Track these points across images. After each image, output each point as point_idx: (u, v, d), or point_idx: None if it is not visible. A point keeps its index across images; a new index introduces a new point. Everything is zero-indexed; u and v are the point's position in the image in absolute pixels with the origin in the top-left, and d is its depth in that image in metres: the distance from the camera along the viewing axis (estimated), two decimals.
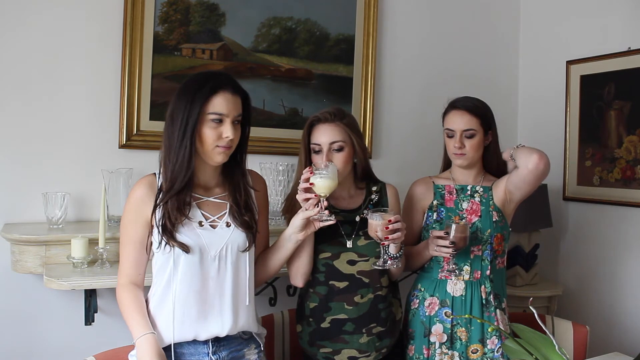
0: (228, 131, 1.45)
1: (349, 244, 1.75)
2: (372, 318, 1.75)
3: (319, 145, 1.71)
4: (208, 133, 1.44)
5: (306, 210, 1.57)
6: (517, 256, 2.73)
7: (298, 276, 1.74)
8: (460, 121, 1.86)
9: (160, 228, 1.45)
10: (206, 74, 1.52)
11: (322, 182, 1.53)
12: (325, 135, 1.70)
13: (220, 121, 1.45)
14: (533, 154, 1.79)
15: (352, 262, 1.74)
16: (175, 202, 1.45)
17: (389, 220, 1.59)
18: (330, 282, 1.74)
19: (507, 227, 1.93)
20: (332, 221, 1.58)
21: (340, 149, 1.70)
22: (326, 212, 1.57)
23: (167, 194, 1.44)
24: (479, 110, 1.88)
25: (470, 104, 1.89)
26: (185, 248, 1.45)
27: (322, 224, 1.59)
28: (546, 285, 2.80)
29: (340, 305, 1.73)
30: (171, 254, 1.46)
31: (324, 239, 1.73)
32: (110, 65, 2.21)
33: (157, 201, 1.46)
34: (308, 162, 1.73)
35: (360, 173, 1.83)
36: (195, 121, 1.42)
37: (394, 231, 1.60)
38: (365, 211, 1.76)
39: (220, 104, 1.44)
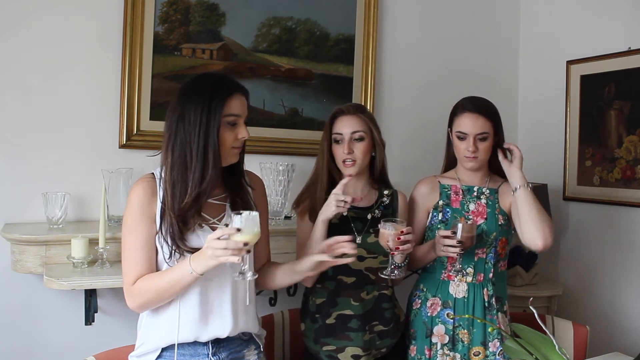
0: (244, 132, 1.48)
1: (359, 239, 1.78)
2: (375, 316, 1.78)
3: (340, 135, 1.79)
4: (227, 136, 1.45)
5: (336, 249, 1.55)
6: (517, 256, 2.73)
7: (308, 279, 1.76)
8: (474, 125, 1.82)
9: (170, 237, 1.43)
10: (213, 76, 1.52)
11: (254, 236, 1.36)
12: (347, 125, 1.79)
13: (235, 123, 1.46)
14: (539, 238, 1.77)
15: (360, 258, 1.77)
16: (197, 207, 1.44)
17: (402, 232, 1.60)
18: (339, 277, 1.77)
19: (511, 231, 1.92)
20: (253, 277, 1.45)
21: (360, 139, 1.79)
22: (246, 266, 1.43)
23: (197, 199, 1.42)
24: (492, 113, 1.86)
25: (483, 105, 1.85)
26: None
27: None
28: (546, 285, 2.79)
29: (347, 301, 1.76)
30: (172, 259, 1.45)
31: (336, 233, 1.74)
32: (110, 65, 2.21)
33: (182, 208, 1.42)
34: (329, 154, 1.81)
35: (378, 172, 1.87)
36: (218, 125, 1.42)
37: (405, 242, 1.61)
38: (377, 211, 1.83)
39: (236, 105, 1.46)
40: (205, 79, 1.49)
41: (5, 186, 2.08)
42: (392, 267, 1.68)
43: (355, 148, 1.77)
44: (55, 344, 2.14)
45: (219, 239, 1.32)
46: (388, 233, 1.61)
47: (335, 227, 1.76)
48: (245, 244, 1.33)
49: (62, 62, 2.14)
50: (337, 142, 1.80)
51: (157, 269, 1.50)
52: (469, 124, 1.83)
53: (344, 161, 1.78)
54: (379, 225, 1.66)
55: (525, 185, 1.80)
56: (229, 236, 1.33)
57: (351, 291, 1.76)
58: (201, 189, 1.42)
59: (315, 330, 1.79)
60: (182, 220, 1.43)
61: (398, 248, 1.61)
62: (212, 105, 1.42)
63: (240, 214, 1.35)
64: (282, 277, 1.65)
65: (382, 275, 1.70)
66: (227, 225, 1.51)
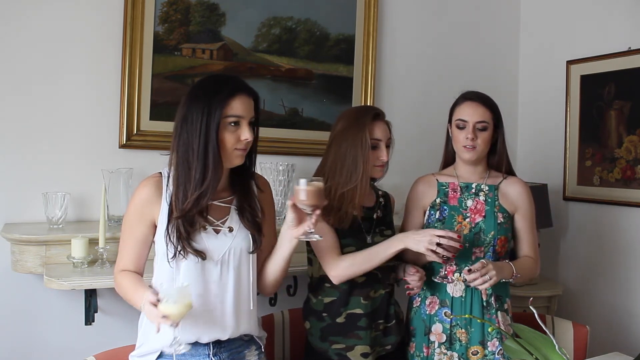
0: (246, 133, 1.45)
1: (369, 239, 1.79)
2: (381, 314, 1.80)
3: (380, 140, 1.78)
4: (227, 137, 1.44)
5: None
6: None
7: (345, 279, 1.71)
8: (474, 112, 1.83)
9: (175, 238, 1.43)
10: (219, 77, 1.51)
11: (176, 308, 1.30)
12: (385, 131, 1.80)
13: (237, 124, 1.45)
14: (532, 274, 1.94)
15: None
16: (199, 208, 1.43)
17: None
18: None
19: (511, 229, 1.90)
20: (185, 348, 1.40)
21: (389, 145, 1.82)
22: (176, 339, 1.37)
23: (198, 201, 1.42)
24: (493, 105, 1.87)
25: (485, 96, 1.87)
26: (202, 255, 1.45)
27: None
28: (546, 285, 2.79)
29: (357, 300, 1.76)
30: (174, 261, 1.45)
31: (349, 234, 1.75)
32: (110, 65, 2.21)
33: (184, 209, 1.42)
34: (368, 158, 1.74)
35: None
36: (217, 126, 1.41)
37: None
38: (378, 211, 1.84)
39: (238, 106, 1.44)
40: (211, 80, 1.49)
41: (5, 186, 2.08)
42: (307, 228, 1.46)
43: (387, 154, 1.79)
44: (55, 344, 2.14)
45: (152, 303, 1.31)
46: (300, 189, 1.42)
47: (348, 226, 1.74)
48: (165, 317, 1.29)
49: (62, 62, 2.14)
50: (373, 147, 1.76)
51: (155, 266, 1.52)
52: (469, 111, 1.84)
53: (375, 166, 1.78)
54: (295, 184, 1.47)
55: (514, 277, 1.81)
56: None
57: (361, 290, 1.77)
58: (202, 190, 1.41)
59: (323, 329, 1.79)
60: (186, 220, 1.43)
61: (310, 205, 1.43)
62: (213, 105, 1.41)
63: (177, 287, 1.34)
64: (269, 268, 1.58)
65: (299, 238, 1.50)
66: (230, 228, 1.52)
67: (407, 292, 1.83)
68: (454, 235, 1.64)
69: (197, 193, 1.41)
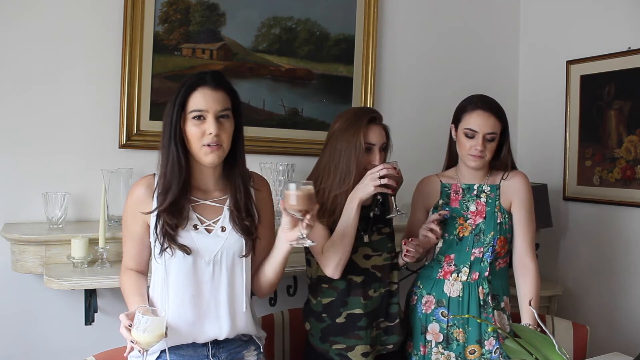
0: (211, 127, 1.42)
1: (366, 238, 1.79)
2: (381, 313, 1.80)
3: (374, 145, 1.74)
4: (192, 131, 1.43)
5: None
6: None
7: (340, 267, 1.69)
8: (485, 124, 1.78)
9: (160, 234, 1.44)
10: (192, 74, 1.50)
11: (146, 337, 1.31)
12: (380, 135, 1.75)
13: (201, 117, 1.43)
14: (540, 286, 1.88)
15: (367, 257, 1.78)
16: (174, 206, 1.44)
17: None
18: (349, 277, 1.76)
19: (511, 229, 1.89)
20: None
21: (385, 149, 1.78)
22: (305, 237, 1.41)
23: (165, 198, 1.44)
24: (503, 114, 1.83)
25: (495, 106, 1.82)
26: (187, 250, 1.45)
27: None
28: (546, 285, 2.79)
29: (357, 300, 1.76)
30: (162, 258, 1.46)
31: None
32: (110, 65, 2.21)
33: (157, 207, 1.45)
34: (361, 162, 1.71)
35: None
36: (177, 120, 1.42)
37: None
38: (376, 209, 1.83)
39: (199, 100, 1.42)
40: (188, 75, 1.50)
41: (5, 186, 2.08)
42: (303, 236, 1.43)
43: (381, 158, 1.75)
44: (55, 344, 2.14)
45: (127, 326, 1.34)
46: (290, 193, 1.38)
47: None
48: (134, 342, 1.32)
49: (62, 62, 2.14)
50: (368, 151, 1.73)
51: (150, 266, 1.55)
52: (480, 122, 1.79)
53: (367, 169, 1.73)
54: (285, 189, 1.43)
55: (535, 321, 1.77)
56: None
57: (360, 290, 1.77)
58: (166, 185, 1.44)
59: (323, 329, 1.79)
60: (169, 218, 1.44)
61: (300, 210, 1.39)
62: (177, 101, 1.43)
63: (149, 314, 1.34)
64: (265, 269, 1.57)
65: (292, 244, 1.46)
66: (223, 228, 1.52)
67: (404, 253, 1.77)
68: (389, 166, 1.66)
69: (172, 192, 1.43)
